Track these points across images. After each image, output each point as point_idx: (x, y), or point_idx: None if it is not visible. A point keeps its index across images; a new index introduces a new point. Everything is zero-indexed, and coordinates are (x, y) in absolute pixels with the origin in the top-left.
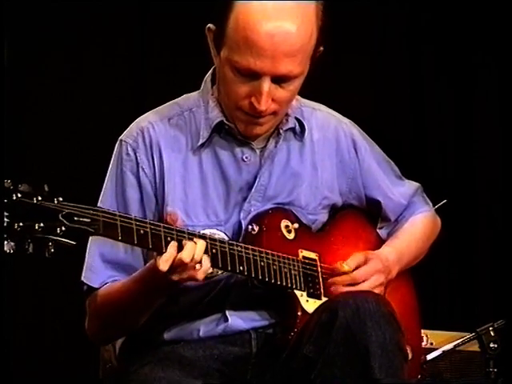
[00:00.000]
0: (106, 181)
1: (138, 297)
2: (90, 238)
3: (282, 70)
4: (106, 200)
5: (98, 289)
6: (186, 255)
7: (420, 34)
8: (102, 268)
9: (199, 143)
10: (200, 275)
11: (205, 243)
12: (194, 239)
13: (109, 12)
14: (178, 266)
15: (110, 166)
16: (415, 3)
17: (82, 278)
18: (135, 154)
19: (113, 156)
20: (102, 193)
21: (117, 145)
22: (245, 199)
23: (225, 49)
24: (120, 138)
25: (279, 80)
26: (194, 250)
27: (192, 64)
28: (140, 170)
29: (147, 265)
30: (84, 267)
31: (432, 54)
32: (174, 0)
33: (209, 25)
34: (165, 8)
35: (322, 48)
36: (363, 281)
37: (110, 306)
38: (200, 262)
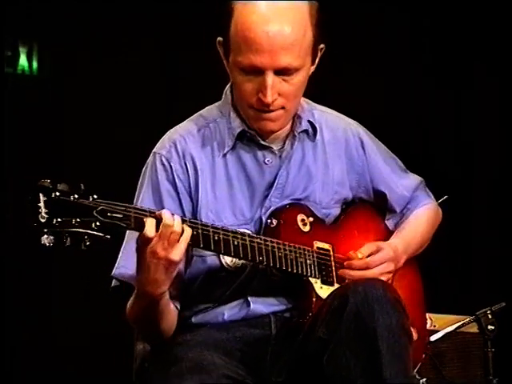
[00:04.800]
0: (139, 189)
1: (144, 300)
2: (127, 237)
3: (281, 63)
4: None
5: (128, 286)
6: (168, 220)
7: (421, 34)
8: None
9: (225, 151)
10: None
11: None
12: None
13: (141, 18)
14: (163, 235)
15: (145, 176)
16: (416, 8)
17: (114, 274)
18: (169, 163)
19: (147, 166)
20: (137, 200)
21: (151, 157)
22: (266, 197)
23: (231, 54)
24: (154, 150)
25: (282, 73)
26: (171, 217)
27: (219, 70)
28: (175, 177)
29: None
30: (117, 264)
31: (433, 53)
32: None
33: (218, 38)
34: (197, 14)
35: (322, 45)
36: (375, 266)
37: (132, 312)
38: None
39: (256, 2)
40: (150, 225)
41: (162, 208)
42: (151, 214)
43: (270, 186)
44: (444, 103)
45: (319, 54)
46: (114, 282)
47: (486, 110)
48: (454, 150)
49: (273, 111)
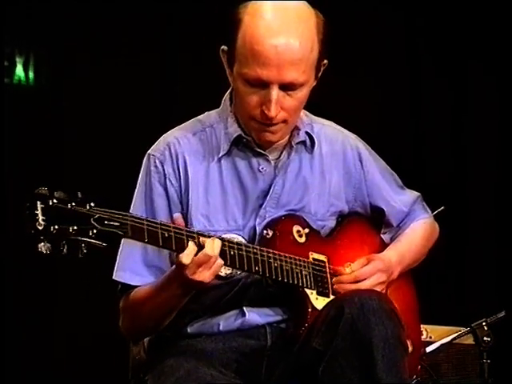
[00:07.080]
0: (136, 191)
1: (163, 300)
2: (123, 240)
3: (287, 78)
4: (137, 208)
5: (131, 287)
6: (209, 250)
7: (417, 41)
8: (135, 267)
9: (220, 155)
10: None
11: (220, 241)
12: (212, 238)
13: (139, 22)
14: (201, 262)
15: (140, 177)
16: (411, 7)
17: (114, 277)
18: (162, 166)
19: (142, 168)
20: (132, 201)
21: (145, 158)
22: (261, 206)
23: (236, 64)
24: (148, 152)
25: (286, 88)
26: (213, 245)
27: (218, 77)
28: (167, 180)
29: (170, 270)
30: (116, 267)
31: (430, 63)
32: (206, 13)
33: (222, 47)
34: (197, 20)
35: (326, 61)
36: (364, 279)
37: (139, 308)
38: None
39: (265, 13)
40: (187, 252)
41: (152, 209)
42: (193, 235)
43: (265, 194)
44: (440, 104)
45: (322, 69)
46: (120, 286)
47: (483, 112)
48: (450, 153)
49: (275, 125)
